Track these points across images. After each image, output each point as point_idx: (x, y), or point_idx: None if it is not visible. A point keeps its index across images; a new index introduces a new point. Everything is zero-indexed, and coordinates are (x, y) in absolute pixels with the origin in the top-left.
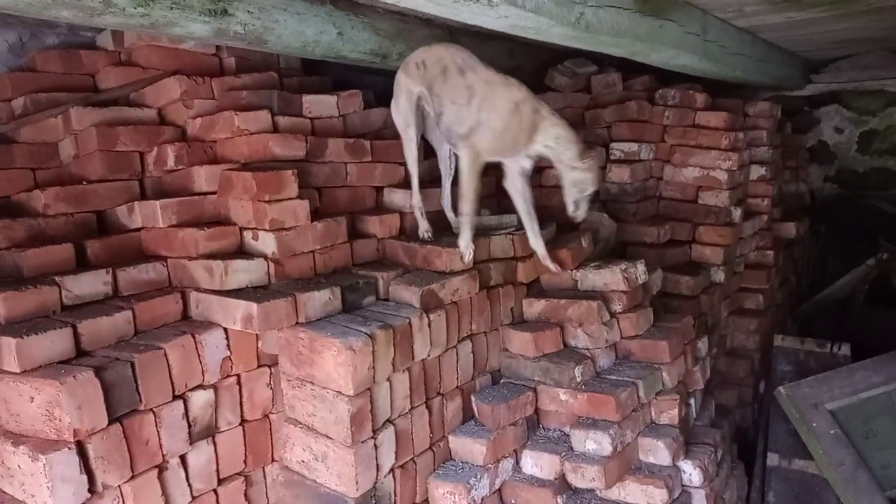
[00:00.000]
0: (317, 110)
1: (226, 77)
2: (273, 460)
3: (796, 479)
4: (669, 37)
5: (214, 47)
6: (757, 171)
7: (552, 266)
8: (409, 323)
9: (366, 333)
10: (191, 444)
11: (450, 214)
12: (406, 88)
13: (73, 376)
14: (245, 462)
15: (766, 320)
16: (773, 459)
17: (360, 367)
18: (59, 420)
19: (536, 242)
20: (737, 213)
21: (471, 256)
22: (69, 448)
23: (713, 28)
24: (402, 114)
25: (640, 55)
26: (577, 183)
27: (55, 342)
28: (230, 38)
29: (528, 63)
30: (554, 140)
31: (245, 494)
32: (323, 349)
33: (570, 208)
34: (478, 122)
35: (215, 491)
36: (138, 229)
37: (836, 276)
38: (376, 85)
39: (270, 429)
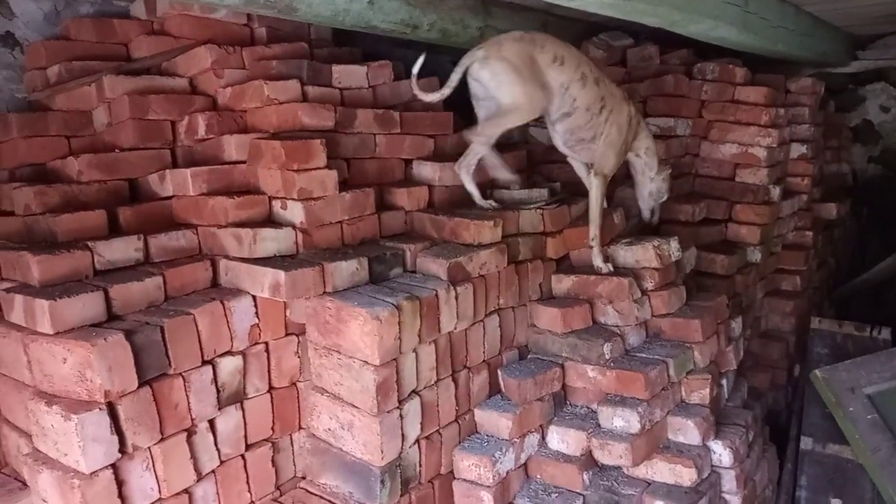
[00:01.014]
0: (346, 81)
1: (256, 47)
2: (300, 428)
3: (830, 463)
4: (708, 6)
5: (246, 17)
6: (797, 150)
7: (603, 267)
8: (436, 295)
9: (392, 304)
10: (219, 409)
11: (471, 187)
12: (542, 71)
13: (105, 339)
14: (272, 429)
15: (802, 302)
16: (806, 443)
17: (386, 337)
18: (91, 381)
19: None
20: (775, 192)
21: (610, 268)
22: (100, 409)
23: None
24: (539, 98)
25: (679, 26)
26: (653, 192)
27: (87, 305)
28: (260, 7)
29: (561, 36)
30: (644, 151)
31: (272, 460)
32: (349, 318)
33: (646, 214)
34: (603, 133)
35: (243, 456)
36: (169, 197)
37: (877, 259)
38: (407, 58)
39: (298, 397)
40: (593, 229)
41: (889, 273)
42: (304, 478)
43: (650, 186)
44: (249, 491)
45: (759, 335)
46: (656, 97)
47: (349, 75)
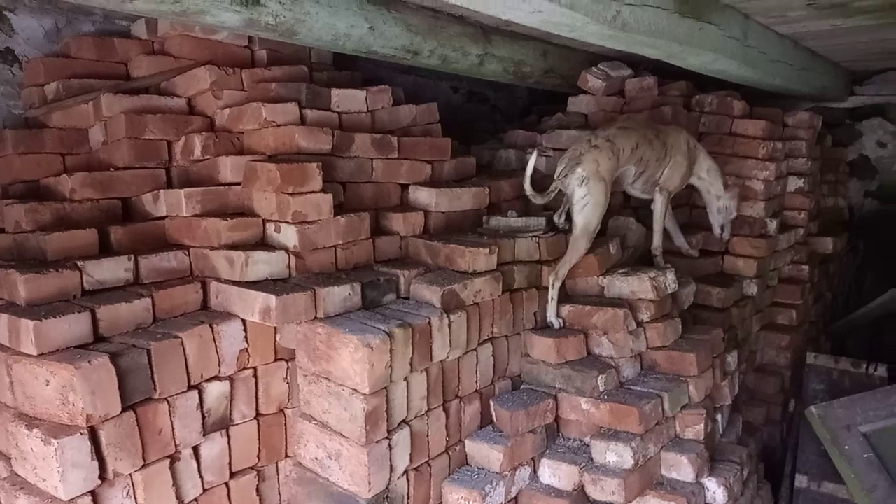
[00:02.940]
0: (345, 105)
1: (256, 69)
2: (286, 456)
3: (825, 502)
4: (708, 40)
5: (246, 39)
6: (794, 183)
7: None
8: (429, 322)
9: (384, 331)
10: (204, 435)
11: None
12: (611, 179)
13: (89, 361)
14: (258, 456)
15: (798, 337)
16: (801, 481)
17: (377, 365)
18: (73, 405)
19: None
20: (772, 225)
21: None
22: (81, 433)
23: (754, 33)
24: (604, 209)
25: (678, 58)
26: (722, 210)
27: (73, 326)
28: (261, 30)
29: (561, 65)
30: (706, 172)
31: (257, 489)
32: (340, 345)
33: (717, 231)
34: (669, 166)
35: (227, 484)
36: (162, 218)
37: (874, 294)
38: (406, 84)
39: (285, 424)
40: (658, 239)
41: (886, 309)
42: None
43: (718, 204)
44: None
45: (754, 369)
46: None
47: (348, 99)
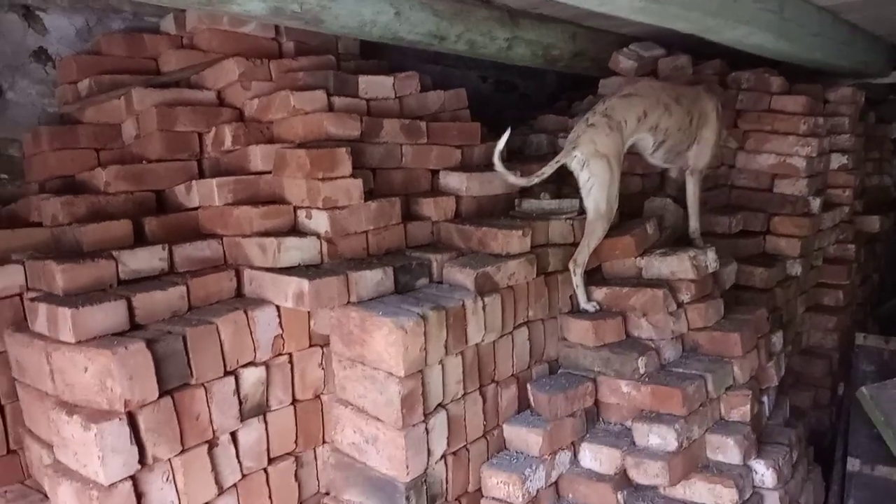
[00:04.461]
0: (373, 91)
1: (283, 59)
2: (324, 442)
3: (879, 486)
4: (743, 12)
5: (273, 31)
6: (838, 160)
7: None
8: (463, 305)
9: (418, 314)
10: (241, 421)
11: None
12: (617, 154)
13: (125, 347)
14: (296, 442)
15: (845, 318)
16: (853, 465)
17: (412, 348)
18: (111, 390)
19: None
20: (815, 203)
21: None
22: (120, 419)
23: (790, 6)
24: (616, 186)
25: (712, 32)
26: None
27: (109, 314)
28: (287, 18)
29: (591, 47)
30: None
31: (295, 475)
32: (374, 329)
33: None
34: (696, 139)
35: (265, 470)
36: (195, 208)
37: None
38: (434, 74)
39: (322, 410)
40: (694, 222)
41: None
42: (327, 493)
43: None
44: None
45: (800, 352)
46: None
47: (376, 86)
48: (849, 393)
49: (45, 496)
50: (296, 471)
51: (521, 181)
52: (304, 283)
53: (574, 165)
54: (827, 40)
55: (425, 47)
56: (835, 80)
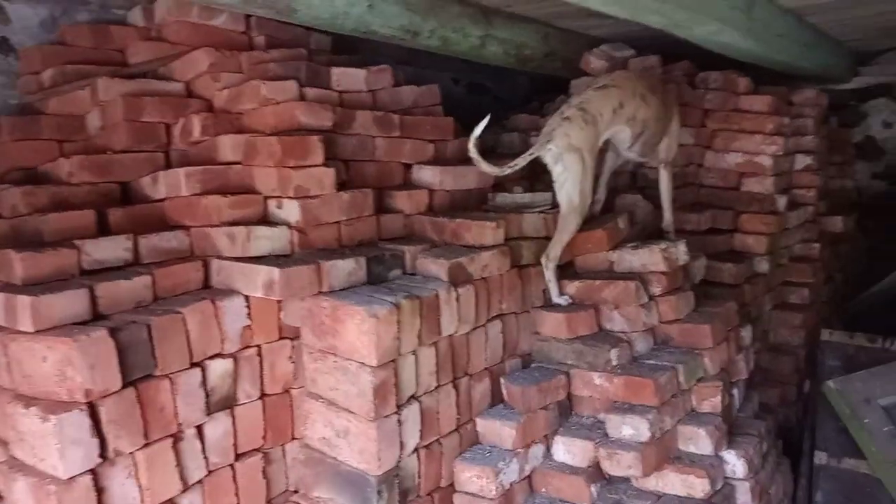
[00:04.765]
0: (345, 83)
1: (254, 51)
2: (293, 438)
3: (847, 478)
4: (714, 9)
5: (244, 24)
6: (802, 161)
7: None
8: (437, 295)
9: (391, 302)
10: (208, 414)
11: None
12: (592, 148)
13: (87, 334)
14: (264, 438)
15: (811, 315)
16: (820, 458)
17: (385, 336)
18: (72, 380)
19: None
20: (781, 202)
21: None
22: (81, 409)
23: (758, 6)
24: (590, 180)
25: (683, 27)
26: None
27: (71, 303)
28: (259, 6)
29: (562, 48)
30: None
31: (263, 472)
32: (346, 318)
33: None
34: (668, 134)
35: (232, 466)
36: (162, 200)
37: (884, 276)
38: (406, 75)
39: (291, 404)
40: (668, 215)
41: None
42: (296, 492)
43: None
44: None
45: (767, 349)
46: None
47: (348, 78)
48: (815, 389)
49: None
50: (264, 467)
51: (494, 170)
52: (275, 272)
53: (548, 159)
54: (791, 42)
55: (398, 42)
56: (798, 83)
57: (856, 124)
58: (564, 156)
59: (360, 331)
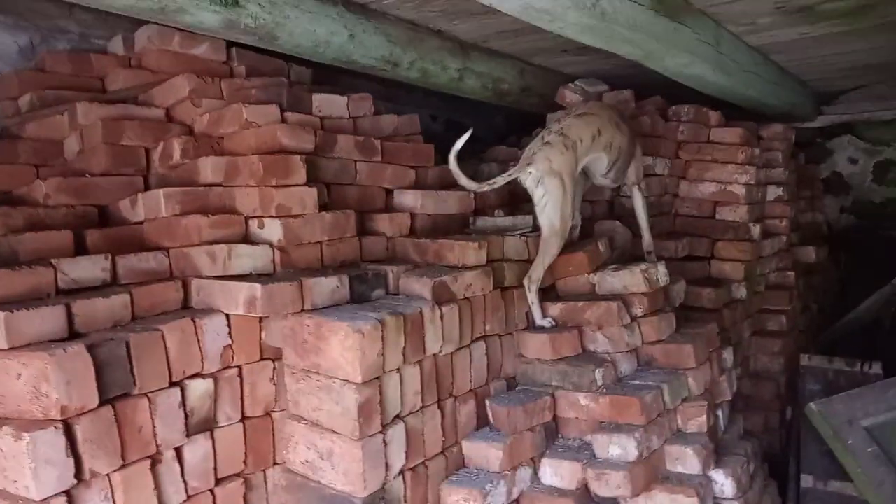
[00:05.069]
0: (327, 110)
1: (235, 79)
2: (275, 463)
3: (834, 501)
4: (684, 41)
5: (225, 54)
6: (773, 192)
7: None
8: (421, 312)
9: (375, 319)
10: (187, 436)
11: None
12: (572, 172)
13: (63, 349)
14: (245, 462)
15: (790, 342)
16: (807, 481)
17: (369, 352)
18: (47, 396)
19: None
20: (756, 230)
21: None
22: (56, 427)
23: (726, 42)
24: (570, 204)
25: (655, 59)
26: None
27: (47, 320)
28: (240, 32)
29: (538, 84)
30: None
31: (244, 498)
32: (330, 335)
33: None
34: (635, 153)
35: (212, 491)
36: (140, 222)
37: (858, 305)
38: (386, 110)
39: (273, 428)
40: (647, 235)
41: (874, 312)
42: None
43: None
44: None
45: (748, 375)
46: None
47: (330, 104)
48: (797, 415)
49: None
50: (245, 493)
51: (473, 185)
52: (257, 288)
53: (529, 182)
54: (759, 78)
55: (379, 73)
56: (766, 122)
57: (822, 160)
58: (545, 179)
59: (344, 347)
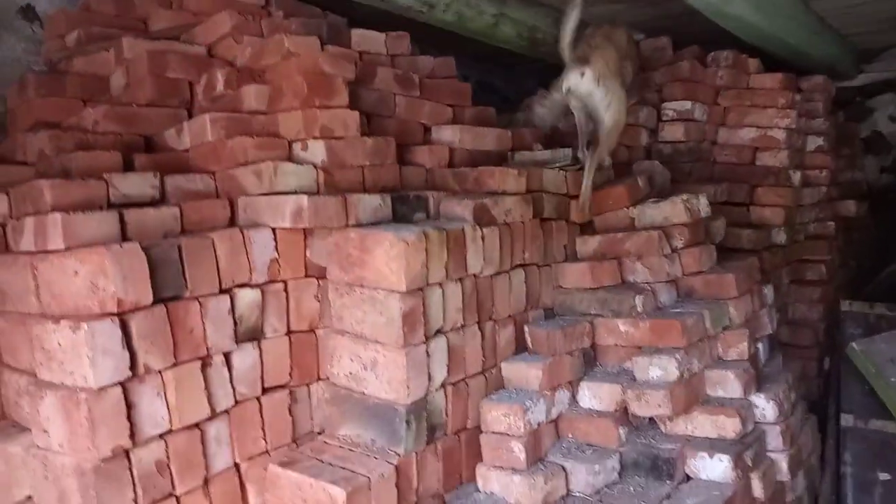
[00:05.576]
0: (365, 45)
1: (274, 18)
2: (318, 378)
3: (875, 439)
4: None
5: None
6: (814, 142)
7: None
8: (463, 230)
9: (420, 230)
10: (237, 342)
11: None
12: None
13: (120, 245)
14: (290, 374)
15: (829, 290)
16: (847, 420)
17: (413, 262)
18: (104, 290)
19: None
20: (796, 177)
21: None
22: (112, 320)
23: None
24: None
25: None
26: None
27: (102, 224)
28: None
29: None
30: None
31: (289, 409)
32: (375, 245)
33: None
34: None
35: (259, 399)
36: (186, 150)
37: None
38: None
39: (317, 344)
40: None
41: None
42: (321, 432)
43: None
44: (265, 439)
45: (787, 322)
46: (672, 83)
47: (368, 40)
48: (836, 358)
49: (22, 429)
50: (289, 405)
51: (574, 72)
52: (303, 199)
53: (586, 85)
54: (799, 25)
55: (415, 15)
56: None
57: (862, 120)
58: (607, 79)
59: (388, 257)
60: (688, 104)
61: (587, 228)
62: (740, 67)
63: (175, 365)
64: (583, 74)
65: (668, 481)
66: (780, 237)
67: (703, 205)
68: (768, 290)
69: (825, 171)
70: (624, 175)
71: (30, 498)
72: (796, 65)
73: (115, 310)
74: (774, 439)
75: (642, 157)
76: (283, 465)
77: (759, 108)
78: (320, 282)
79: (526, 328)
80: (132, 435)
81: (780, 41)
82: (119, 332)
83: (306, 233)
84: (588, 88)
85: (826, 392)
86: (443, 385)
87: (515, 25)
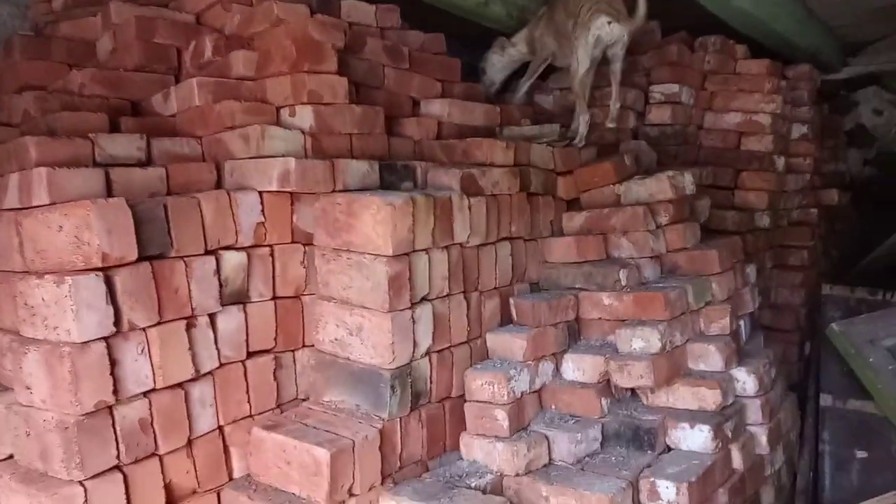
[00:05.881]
0: (355, 16)
1: None
2: (304, 345)
3: (853, 418)
4: None
5: None
6: (799, 130)
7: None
8: (450, 198)
9: (407, 195)
10: (222, 304)
11: None
12: None
13: (105, 199)
14: (275, 340)
15: (811, 275)
16: (826, 400)
17: (400, 226)
18: (88, 244)
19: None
20: (780, 162)
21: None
22: (97, 274)
23: None
24: None
25: None
26: None
27: (87, 180)
28: None
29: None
30: None
31: (274, 374)
32: (361, 210)
33: None
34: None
35: (244, 363)
36: (173, 115)
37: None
38: None
39: (302, 311)
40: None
41: None
42: (305, 399)
43: None
44: (249, 402)
45: (769, 306)
46: (660, 66)
47: (358, 11)
48: (816, 340)
49: (4, 388)
50: (274, 370)
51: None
52: (291, 161)
53: (613, 29)
54: (786, 13)
55: None
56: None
57: (846, 113)
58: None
59: (375, 221)
60: (675, 87)
61: (574, 205)
62: (728, 53)
63: (160, 323)
64: (609, 23)
65: (649, 451)
66: (764, 221)
67: (688, 182)
68: (751, 270)
69: (809, 159)
70: (612, 154)
71: (11, 457)
72: (783, 54)
73: (99, 264)
74: (754, 413)
75: (630, 139)
76: (268, 428)
77: (746, 92)
78: (307, 248)
79: (511, 300)
80: (115, 391)
81: (766, 27)
82: (103, 287)
83: (293, 198)
84: (614, 35)
85: (806, 375)
86: (427, 353)
87: (505, 5)
